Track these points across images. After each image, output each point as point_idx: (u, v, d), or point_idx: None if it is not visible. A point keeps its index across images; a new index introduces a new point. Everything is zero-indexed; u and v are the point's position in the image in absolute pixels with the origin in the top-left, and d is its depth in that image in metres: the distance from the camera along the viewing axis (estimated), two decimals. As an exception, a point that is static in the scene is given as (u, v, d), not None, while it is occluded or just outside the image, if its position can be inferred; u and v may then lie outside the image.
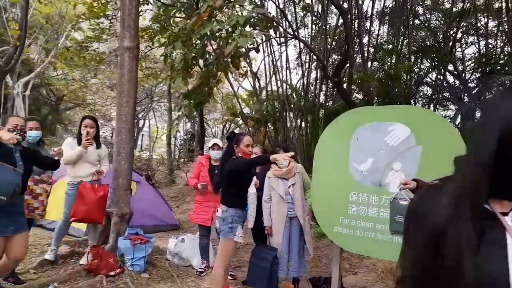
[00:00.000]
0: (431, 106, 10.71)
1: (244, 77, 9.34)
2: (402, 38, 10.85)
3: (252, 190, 3.76)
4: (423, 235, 0.83)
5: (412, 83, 10.05)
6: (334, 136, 3.48)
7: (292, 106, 11.39)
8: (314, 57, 11.87)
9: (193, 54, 5.36)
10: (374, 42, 11.43)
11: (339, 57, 11.73)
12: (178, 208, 8.48)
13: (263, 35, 6.82)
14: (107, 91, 15.41)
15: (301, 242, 3.92)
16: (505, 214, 0.79)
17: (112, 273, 3.82)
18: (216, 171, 4.40)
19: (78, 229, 5.41)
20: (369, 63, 11.02)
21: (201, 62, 6.12)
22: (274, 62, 11.57)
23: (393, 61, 10.79)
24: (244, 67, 8.92)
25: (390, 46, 11.48)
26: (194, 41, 5.50)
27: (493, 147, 0.76)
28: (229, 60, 6.87)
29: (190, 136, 15.67)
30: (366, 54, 10.66)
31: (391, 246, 2.98)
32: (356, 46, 10.54)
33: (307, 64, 11.99)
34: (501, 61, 9.04)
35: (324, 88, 11.69)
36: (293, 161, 3.95)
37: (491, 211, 0.79)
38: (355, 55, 10.79)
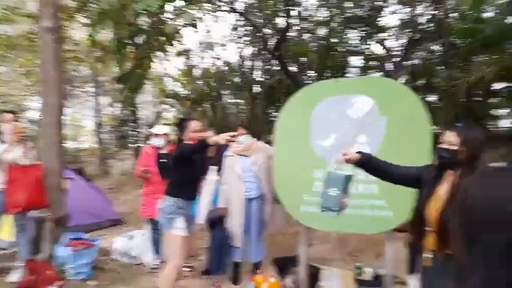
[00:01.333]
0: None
1: (181, 55, 8.77)
2: (332, 9, 10.97)
3: (212, 177, 3.43)
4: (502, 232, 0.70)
5: (344, 54, 10.26)
6: (295, 112, 3.32)
7: (228, 83, 11.07)
8: (249, 32, 11.59)
9: (128, 34, 4.78)
10: (304, 14, 11.41)
11: (273, 30, 11.55)
12: (118, 201, 7.86)
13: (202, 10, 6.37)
14: (22, 79, 13.65)
15: (260, 226, 3.75)
16: None
17: (53, 287, 3.33)
18: (164, 160, 4.12)
19: (1, 240, 4.68)
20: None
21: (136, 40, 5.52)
22: (207, 38, 11.07)
23: (324, 32, 10.92)
24: (181, 44, 8.35)
25: (321, 18, 11.60)
26: (126, 19, 4.90)
27: None
28: (164, 38, 6.34)
29: (120, 122, 14.61)
30: (299, 26, 10.63)
31: (360, 219, 2.95)
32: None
33: (241, 39, 11.65)
34: (429, 29, 9.55)
35: (259, 63, 11.51)
36: (246, 135, 3.76)
37: None
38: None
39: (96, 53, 8.65)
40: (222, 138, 2.72)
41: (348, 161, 2.11)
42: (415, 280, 3.06)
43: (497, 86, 8.26)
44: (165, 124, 9.77)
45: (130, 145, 14.88)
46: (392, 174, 2.09)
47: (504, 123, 9.11)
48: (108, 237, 4.57)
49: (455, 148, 1.74)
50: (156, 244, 4.13)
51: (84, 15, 7.17)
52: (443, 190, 1.79)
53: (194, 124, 3.04)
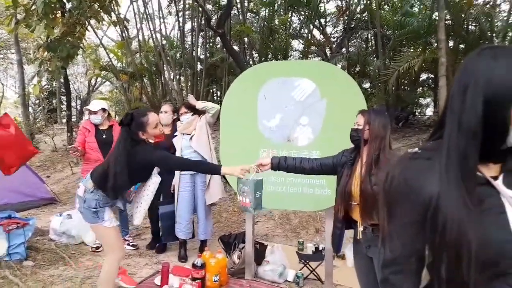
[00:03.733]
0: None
1: (118, 25, 8.24)
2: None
3: (156, 178, 2.75)
4: (416, 211, 0.78)
5: (286, 36, 10.45)
6: (241, 92, 3.35)
7: (169, 58, 10.70)
8: (188, 6, 11.24)
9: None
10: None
11: (214, 6, 11.33)
12: (49, 179, 7.35)
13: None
14: None
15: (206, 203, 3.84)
16: (495, 178, 0.78)
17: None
18: (104, 136, 3.97)
19: None
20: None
21: (68, 5, 5.09)
22: (145, 9, 10.51)
23: (266, 13, 10.99)
24: (117, 13, 7.83)
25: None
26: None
27: (480, 113, 0.73)
28: (97, 4, 5.94)
29: (48, 94, 13.42)
30: (241, 5, 10.56)
31: (301, 197, 3.13)
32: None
33: (181, 13, 11.27)
34: (363, 18, 10.04)
35: (201, 40, 11.27)
36: (189, 114, 3.80)
37: (483, 177, 0.77)
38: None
39: (18, 15, 7.83)
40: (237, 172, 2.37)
41: (262, 168, 2.31)
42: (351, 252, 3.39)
43: (423, 77, 9.10)
44: (101, 98, 9.20)
45: (61, 120, 13.82)
46: (306, 169, 2.29)
47: (428, 111, 10.13)
48: (43, 217, 4.31)
49: (360, 127, 2.04)
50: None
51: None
52: (360, 167, 2.04)
53: (151, 119, 2.42)
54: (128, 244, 4.02)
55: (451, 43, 7.60)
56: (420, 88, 9.50)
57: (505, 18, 7.77)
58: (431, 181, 0.76)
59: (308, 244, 3.55)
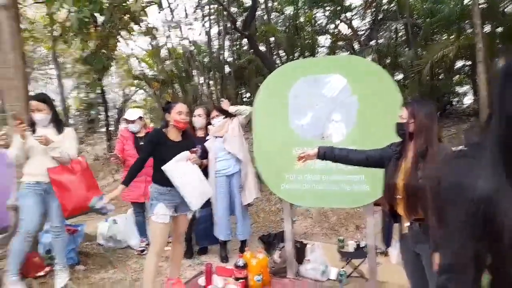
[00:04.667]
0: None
1: (147, 35, 8.49)
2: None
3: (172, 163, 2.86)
4: (468, 212, 0.75)
5: (313, 33, 10.37)
6: (271, 92, 3.36)
7: (197, 63, 10.90)
8: (213, 10, 11.39)
9: (89, 11, 4.58)
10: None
11: (239, 9, 11.43)
12: (92, 187, 7.69)
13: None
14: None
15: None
16: None
17: (41, 273, 3.32)
18: (141, 143, 4.11)
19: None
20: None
21: (100, 19, 5.31)
22: (172, 17, 10.78)
23: (291, 12, 10.95)
24: (147, 23, 8.07)
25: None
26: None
27: None
28: (128, 16, 6.15)
29: (87, 105, 14.05)
30: (265, 6, 10.58)
31: (339, 194, 3.11)
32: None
33: (207, 17, 11.44)
34: (391, 8, 9.79)
35: (227, 43, 11.40)
36: (220, 117, 3.87)
37: None
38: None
39: (55, 32, 8.24)
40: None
41: (307, 158, 2.34)
42: (395, 250, 3.32)
43: (459, 64, 8.73)
44: (136, 107, 9.52)
45: (99, 129, 14.40)
46: (353, 161, 2.29)
47: (466, 100, 9.72)
48: (90, 223, 4.52)
49: (405, 121, 1.95)
50: (141, 227, 4.18)
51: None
52: (406, 161, 1.99)
53: (178, 106, 2.89)
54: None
55: (487, 28, 7.25)
56: (457, 76, 9.12)
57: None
58: (481, 180, 0.73)
59: (349, 241, 3.51)
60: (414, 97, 6.43)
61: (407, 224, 2.02)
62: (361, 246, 3.38)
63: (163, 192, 2.78)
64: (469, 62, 8.43)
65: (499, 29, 7.43)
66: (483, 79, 5.42)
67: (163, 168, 2.69)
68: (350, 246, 3.41)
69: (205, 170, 3.55)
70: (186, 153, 2.80)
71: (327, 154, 2.30)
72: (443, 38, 7.58)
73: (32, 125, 3.10)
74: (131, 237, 4.22)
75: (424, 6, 8.03)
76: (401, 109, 2.04)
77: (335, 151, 2.30)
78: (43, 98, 3.19)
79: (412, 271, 2.09)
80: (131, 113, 4.27)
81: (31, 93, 3.88)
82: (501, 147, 0.72)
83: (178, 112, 2.85)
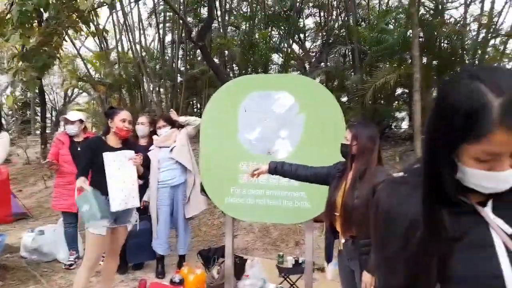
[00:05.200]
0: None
1: (96, 36, 8.13)
2: (255, 4, 11.21)
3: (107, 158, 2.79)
4: (401, 240, 0.74)
5: (266, 50, 10.56)
6: (221, 105, 3.35)
7: (149, 70, 10.62)
8: (168, 18, 11.24)
9: (34, 6, 4.30)
10: (227, 7, 11.46)
11: (195, 19, 11.39)
12: (21, 193, 7.07)
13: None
14: None
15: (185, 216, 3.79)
16: (483, 204, 0.70)
17: None
18: (78, 149, 3.87)
19: None
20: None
21: (45, 15, 5.00)
22: (125, 21, 10.43)
23: (247, 27, 11.11)
24: (96, 24, 7.74)
25: (243, 12, 11.78)
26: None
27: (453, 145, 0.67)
28: (75, 15, 5.87)
29: (23, 104, 13.01)
30: (222, 19, 10.66)
31: (280, 210, 3.13)
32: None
33: (162, 25, 11.26)
34: (341, 34, 10.29)
35: (181, 52, 11.26)
36: (167, 127, 3.78)
37: (469, 204, 0.70)
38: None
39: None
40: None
41: (259, 174, 2.46)
42: (332, 266, 3.39)
43: (398, 91, 9.35)
44: (78, 110, 9.00)
45: (34, 131, 13.39)
46: (301, 177, 2.39)
47: (404, 124, 10.40)
48: (13, 233, 4.12)
49: (349, 142, 2.04)
50: (70, 239, 3.89)
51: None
52: (347, 180, 2.08)
53: (122, 113, 2.79)
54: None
55: (424, 59, 7.87)
56: (396, 102, 9.76)
57: (474, 37, 8.13)
58: (416, 209, 0.71)
59: (288, 257, 3.54)
60: (358, 120, 6.78)
61: (342, 240, 2.08)
62: (299, 262, 3.41)
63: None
64: (407, 90, 9.07)
65: (435, 62, 8.11)
66: (418, 106, 5.84)
67: (104, 154, 2.61)
68: (289, 262, 3.44)
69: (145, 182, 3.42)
70: (131, 152, 2.74)
71: (277, 168, 2.39)
72: (386, 66, 8.09)
73: None
74: (59, 250, 3.92)
75: (371, 35, 8.53)
76: (347, 131, 2.13)
77: (285, 166, 2.38)
78: None
79: (347, 286, 2.15)
80: (73, 114, 4.04)
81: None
82: (424, 171, 0.72)
83: (122, 119, 2.75)
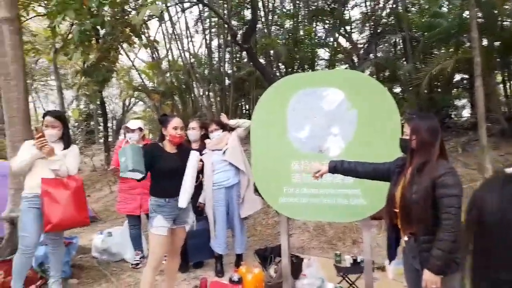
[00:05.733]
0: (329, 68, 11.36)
1: (148, 47, 8.57)
2: (298, 1, 11.11)
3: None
4: None
5: (312, 46, 10.44)
6: (270, 105, 3.37)
7: (198, 76, 10.97)
8: (214, 23, 11.51)
9: (91, 24, 4.62)
10: (270, 6, 11.48)
11: (239, 22, 11.55)
12: (89, 198, 7.66)
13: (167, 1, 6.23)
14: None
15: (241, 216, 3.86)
16: None
17: (32, 287, 3.27)
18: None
19: None
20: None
21: (102, 32, 5.37)
22: (173, 30, 10.87)
23: (291, 25, 11.05)
24: (148, 36, 8.15)
25: (286, 10, 11.72)
26: (88, 9, 4.76)
27: None
28: (128, 29, 6.22)
29: (86, 116, 14.07)
30: (266, 19, 10.70)
31: (335, 208, 3.08)
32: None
33: (208, 31, 11.55)
34: (390, 22, 9.88)
35: (227, 56, 11.48)
36: (219, 131, 3.88)
37: None
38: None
39: (57, 44, 8.33)
40: None
41: (322, 175, 2.45)
42: (392, 265, 3.28)
43: (457, 78, 8.77)
44: (136, 118, 9.55)
45: (98, 140, 14.41)
46: (361, 173, 2.34)
47: (465, 113, 9.75)
48: (84, 235, 4.48)
49: (407, 137, 1.95)
50: (135, 240, 4.13)
51: (41, 5, 6.90)
52: (406, 176, 1.99)
53: (174, 121, 2.92)
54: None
55: (485, 41, 7.29)
56: (455, 89, 9.16)
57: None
58: None
59: (346, 256, 3.47)
60: (417, 112, 6.45)
61: (405, 238, 2.01)
62: (357, 261, 3.33)
63: (161, 204, 2.79)
64: (467, 76, 8.48)
65: (497, 43, 7.49)
66: (481, 92, 5.44)
67: (192, 152, 2.87)
68: (347, 261, 3.37)
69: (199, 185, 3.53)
70: (198, 153, 2.93)
71: (337, 167, 2.37)
72: (442, 52, 7.63)
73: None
74: (126, 250, 4.18)
75: (423, 20, 8.10)
76: (405, 125, 2.04)
77: (344, 164, 2.36)
78: (59, 116, 3.23)
79: (412, 286, 2.06)
80: (133, 123, 4.28)
81: (31, 105, 3.90)
82: None
83: (174, 127, 2.88)
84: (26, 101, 4.03)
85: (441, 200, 1.81)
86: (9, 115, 3.88)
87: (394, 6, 9.94)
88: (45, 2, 6.57)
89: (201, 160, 3.10)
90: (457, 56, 6.58)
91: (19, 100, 3.91)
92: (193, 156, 2.87)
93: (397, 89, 9.37)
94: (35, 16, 7.65)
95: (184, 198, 2.77)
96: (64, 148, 3.18)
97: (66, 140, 3.22)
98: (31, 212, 3.03)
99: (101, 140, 13.04)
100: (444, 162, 1.93)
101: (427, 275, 1.83)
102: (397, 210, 2.00)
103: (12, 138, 3.87)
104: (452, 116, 9.49)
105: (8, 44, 3.88)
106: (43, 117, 3.21)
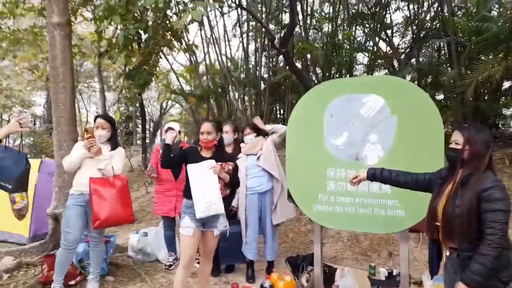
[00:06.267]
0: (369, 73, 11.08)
1: (187, 51, 8.76)
2: (337, 5, 10.94)
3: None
4: None
5: (351, 51, 10.24)
6: (307, 111, 3.31)
7: (234, 79, 11.07)
8: (251, 27, 11.59)
9: (135, 29, 4.78)
10: (309, 10, 11.38)
11: (277, 26, 11.56)
12: (127, 197, 7.92)
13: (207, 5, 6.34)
14: (25, 74, 13.61)
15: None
16: None
17: (72, 282, 3.40)
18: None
19: (18, 235, 4.78)
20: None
21: (144, 36, 5.54)
22: (212, 34, 11.05)
23: (329, 29, 10.89)
24: (187, 40, 8.35)
25: (325, 13, 11.57)
26: (132, 14, 4.93)
27: None
28: (170, 33, 6.37)
29: (126, 118, 14.62)
30: (304, 23, 10.62)
31: (372, 219, 2.98)
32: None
33: (245, 34, 11.65)
34: (434, 26, 9.51)
35: (264, 59, 11.51)
36: (253, 135, 3.87)
37: None
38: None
39: (102, 48, 8.70)
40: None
41: (359, 182, 2.40)
42: (432, 280, 3.12)
43: (506, 85, 8.27)
44: (173, 120, 9.78)
45: (136, 141, 14.91)
46: (401, 183, 2.26)
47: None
48: (121, 234, 4.62)
49: (459, 147, 1.83)
50: (169, 241, 4.20)
51: (88, 10, 7.23)
52: (449, 187, 1.89)
53: (202, 127, 2.98)
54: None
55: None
56: (503, 98, 8.63)
57: None
58: None
59: (381, 268, 3.34)
60: (471, 122, 6.14)
61: (447, 253, 1.92)
62: (393, 274, 3.20)
63: (189, 205, 2.84)
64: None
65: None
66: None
67: (188, 166, 2.81)
68: (382, 274, 3.24)
69: (233, 188, 3.52)
70: (211, 161, 2.83)
71: (376, 175, 2.32)
72: (490, 58, 7.22)
73: None
74: (160, 251, 4.26)
75: (470, 24, 7.72)
76: (455, 133, 1.92)
77: (384, 172, 2.30)
78: (109, 119, 3.42)
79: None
80: (173, 124, 4.37)
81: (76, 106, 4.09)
82: None
83: (201, 132, 2.95)
84: (73, 102, 4.22)
85: (486, 214, 1.71)
86: (57, 116, 4.09)
87: (439, 9, 9.55)
88: (92, 7, 6.89)
89: (235, 166, 3.11)
90: (507, 63, 6.19)
91: (66, 102, 4.10)
92: (203, 165, 2.83)
93: (440, 96, 8.98)
94: (82, 21, 8.04)
95: (199, 209, 2.74)
96: (112, 149, 3.33)
97: (114, 142, 3.38)
98: (76, 209, 3.18)
99: (139, 142, 13.48)
100: (491, 175, 1.81)
101: (461, 287, 1.72)
102: (439, 224, 1.90)
103: (59, 138, 4.07)
104: (500, 126, 8.96)
105: (59, 48, 4.09)
106: (95, 119, 3.39)
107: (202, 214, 2.74)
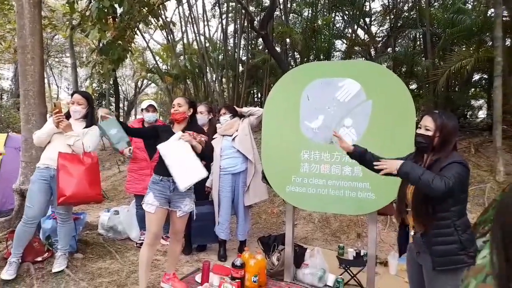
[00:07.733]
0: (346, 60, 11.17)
1: (164, 29, 8.52)
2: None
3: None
4: None
5: (329, 37, 10.26)
6: (284, 93, 3.33)
7: (212, 61, 10.91)
8: (231, 8, 11.39)
9: (110, 2, 4.59)
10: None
11: (257, 8, 11.42)
12: (98, 176, 7.76)
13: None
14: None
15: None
16: None
17: (39, 259, 3.32)
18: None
19: (-19, 212, 4.62)
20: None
21: (119, 10, 5.34)
22: (190, 13, 10.79)
23: (309, 14, 10.85)
24: (165, 17, 8.10)
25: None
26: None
27: None
28: (146, 9, 6.18)
29: (99, 95, 14.15)
30: (284, 6, 10.53)
31: (343, 201, 3.05)
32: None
33: (224, 15, 11.44)
34: (411, 16, 9.64)
35: (243, 42, 11.38)
36: (228, 115, 3.87)
37: None
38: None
39: (74, 21, 8.34)
40: None
41: (342, 147, 2.34)
42: (395, 260, 3.26)
43: (476, 77, 8.56)
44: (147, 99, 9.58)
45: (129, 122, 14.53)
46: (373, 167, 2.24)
47: (480, 114, 9.55)
48: (91, 212, 4.53)
49: (430, 133, 1.89)
50: (141, 220, 4.16)
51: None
52: None
53: (175, 100, 2.97)
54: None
55: (508, 41, 7.09)
56: (473, 89, 8.95)
57: None
58: None
59: (349, 249, 3.45)
60: (438, 109, 6.27)
61: (411, 233, 2.00)
62: (360, 254, 3.31)
63: (155, 181, 2.79)
64: (486, 76, 8.27)
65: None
66: (499, 93, 5.30)
67: (157, 146, 2.73)
68: (350, 254, 3.35)
69: (207, 166, 3.50)
70: (178, 132, 2.76)
71: (359, 151, 2.28)
72: (462, 50, 7.43)
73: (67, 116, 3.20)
74: (131, 229, 4.22)
75: (446, 16, 7.87)
76: (425, 118, 1.95)
77: (366, 154, 2.26)
78: (86, 95, 3.33)
79: (415, 281, 2.06)
80: (148, 103, 4.34)
81: (45, 81, 3.92)
82: None
83: (172, 105, 2.94)
84: (42, 75, 4.04)
85: (444, 172, 1.77)
86: (25, 88, 3.90)
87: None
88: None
89: (210, 142, 3.08)
90: (478, 55, 6.40)
91: (35, 74, 3.92)
92: (172, 139, 2.74)
93: (413, 86, 9.19)
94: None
95: (180, 181, 2.67)
96: (86, 127, 3.24)
97: (90, 119, 3.29)
98: (39, 184, 3.09)
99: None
100: (456, 154, 1.88)
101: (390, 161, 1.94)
102: (408, 209, 1.98)
103: (26, 111, 3.89)
104: (468, 116, 9.30)
105: (27, 17, 3.87)
106: (71, 95, 3.32)
107: (185, 184, 2.67)
